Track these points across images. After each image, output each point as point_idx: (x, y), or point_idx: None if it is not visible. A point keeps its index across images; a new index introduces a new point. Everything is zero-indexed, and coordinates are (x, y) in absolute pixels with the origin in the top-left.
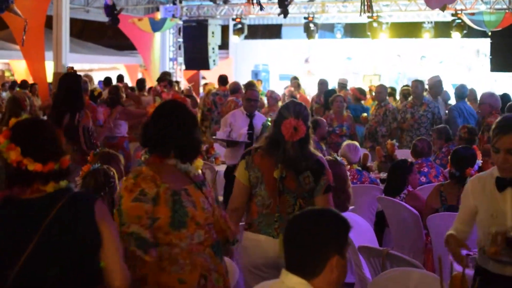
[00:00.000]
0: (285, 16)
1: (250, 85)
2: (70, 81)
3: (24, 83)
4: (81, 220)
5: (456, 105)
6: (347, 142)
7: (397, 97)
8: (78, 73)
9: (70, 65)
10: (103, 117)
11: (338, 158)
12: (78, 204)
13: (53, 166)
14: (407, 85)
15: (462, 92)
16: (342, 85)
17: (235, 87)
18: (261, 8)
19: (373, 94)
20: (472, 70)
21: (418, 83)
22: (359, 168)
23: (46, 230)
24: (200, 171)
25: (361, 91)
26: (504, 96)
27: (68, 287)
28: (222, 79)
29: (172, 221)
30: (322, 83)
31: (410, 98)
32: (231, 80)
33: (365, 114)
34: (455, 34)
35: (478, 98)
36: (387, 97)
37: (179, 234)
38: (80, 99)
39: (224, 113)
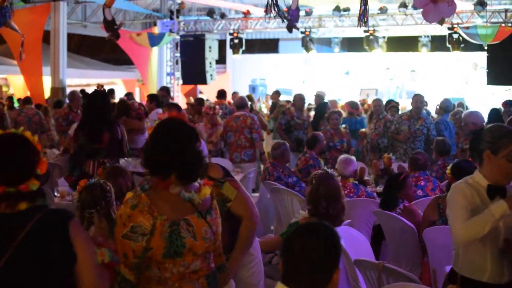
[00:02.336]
0: (290, 31)
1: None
2: (104, 96)
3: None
4: (54, 238)
5: (442, 118)
6: (342, 155)
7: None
8: (74, 88)
9: (68, 79)
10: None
11: (329, 170)
12: (52, 222)
13: (4, 189)
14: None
15: (447, 106)
16: (320, 97)
17: (242, 103)
18: (283, 19)
19: (365, 107)
20: (469, 84)
21: (419, 97)
22: (356, 182)
23: (18, 246)
24: (210, 198)
25: (353, 105)
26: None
27: None
28: (220, 93)
29: (167, 251)
30: (318, 95)
31: (406, 111)
32: (229, 94)
33: (363, 129)
34: (456, 53)
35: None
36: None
37: (173, 261)
38: (111, 114)
39: (234, 128)
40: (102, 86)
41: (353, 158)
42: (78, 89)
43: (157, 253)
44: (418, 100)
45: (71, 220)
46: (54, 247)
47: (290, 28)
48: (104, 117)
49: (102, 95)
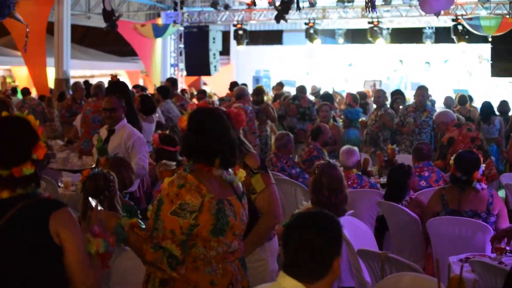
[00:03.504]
0: (278, 21)
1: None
2: (123, 89)
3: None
4: (32, 228)
5: None
6: (345, 146)
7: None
8: (78, 79)
9: (72, 71)
10: None
11: (331, 161)
12: (32, 212)
13: None
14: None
15: (449, 105)
16: (316, 94)
17: (241, 93)
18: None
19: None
20: (473, 76)
21: (423, 90)
22: (359, 173)
23: None
24: (240, 183)
25: (354, 99)
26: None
27: None
28: (232, 85)
29: (214, 228)
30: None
31: (411, 103)
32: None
33: (363, 118)
34: (462, 44)
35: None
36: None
37: (218, 239)
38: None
39: None
40: (116, 76)
41: (356, 148)
42: (82, 80)
43: (204, 229)
44: (421, 94)
45: (55, 211)
46: (32, 237)
47: (278, 18)
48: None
49: (122, 85)
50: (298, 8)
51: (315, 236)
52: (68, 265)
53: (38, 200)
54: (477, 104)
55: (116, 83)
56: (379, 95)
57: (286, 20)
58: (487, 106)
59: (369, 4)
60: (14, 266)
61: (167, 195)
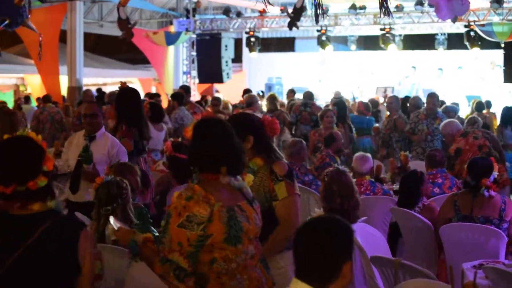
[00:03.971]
0: (290, 28)
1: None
2: (135, 96)
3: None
4: (64, 245)
5: None
6: (359, 153)
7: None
8: (91, 87)
9: (85, 79)
10: None
11: (340, 167)
12: (64, 229)
13: (14, 187)
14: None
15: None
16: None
17: (250, 100)
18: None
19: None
20: (486, 81)
21: (434, 98)
22: (372, 180)
23: (27, 249)
24: (249, 188)
25: (366, 107)
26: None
27: None
28: (245, 92)
29: (228, 236)
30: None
31: (422, 110)
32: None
33: (377, 125)
34: (475, 50)
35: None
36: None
37: (235, 249)
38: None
39: None
40: (125, 83)
41: (369, 155)
42: (94, 88)
43: (218, 239)
44: (431, 102)
45: (82, 231)
46: (62, 255)
47: (290, 25)
48: (138, 115)
49: (133, 92)
50: (317, 20)
51: (325, 239)
52: (80, 284)
53: (66, 217)
54: (492, 109)
55: (126, 90)
56: (392, 101)
57: (298, 27)
58: (508, 111)
59: (384, 8)
60: (37, 281)
61: (175, 208)
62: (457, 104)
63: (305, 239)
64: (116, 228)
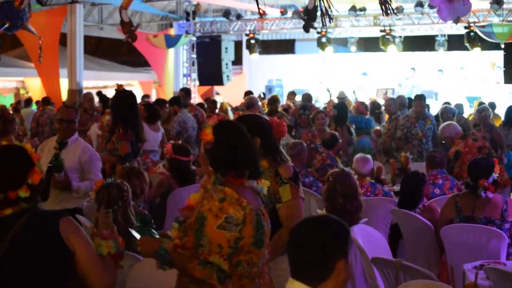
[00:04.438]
0: (307, 31)
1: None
2: (131, 98)
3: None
4: (44, 237)
5: None
6: (359, 154)
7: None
8: (91, 90)
9: (85, 82)
10: None
11: (346, 169)
12: (40, 222)
13: None
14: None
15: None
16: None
17: (251, 102)
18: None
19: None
20: (486, 82)
21: (423, 100)
22: (373, 181)
23: (8, 248)
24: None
25: (365, 107)
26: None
27: None
28: (246, 94)
29: (255, 240)
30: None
31: (410, 113)
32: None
33: (378, 128)
34: (476, 50)
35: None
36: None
37: (259, 252)
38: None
39: None
40: (121, 85)
41: (370, 157)
42: (94, 91)
43: (248, 242)
44: (420, 104)
45: (61, 218)
46: (46, 246)
47: (306, 27)
48: (138, 118)
49: (129, 95)
50: (323, 23)
51: (317, 236)
52: (83, 269)
53: (42, 210)
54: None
55: (122, 93)
56: (390, 103)
57: (315, 28)
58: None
59: (386, 8)
60: (27, 275)
61: (209, 210)
62: (461, 106)
63: (298, 237)
64: (137, 237)
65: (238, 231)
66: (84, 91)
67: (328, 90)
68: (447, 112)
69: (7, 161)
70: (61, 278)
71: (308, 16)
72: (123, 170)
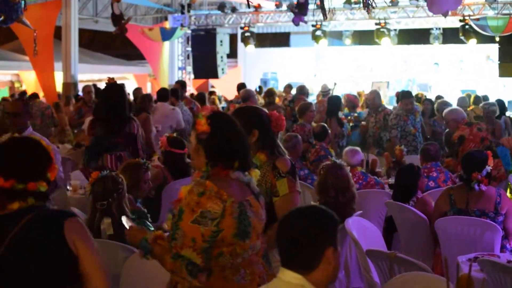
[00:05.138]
0: (297, 24)
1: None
2: (118, 90)
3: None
4: (47, 237)
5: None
6: (349, 147)
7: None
8: (86, 83)
9: (80, 75)
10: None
11: (337, 161)
12: (45, 221)
13: (13, 183)
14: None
15: (463, 106)
16: (325, 93)
17: (247, 95)
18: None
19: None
20: (481, 76)
21: (412, 98)
22: (363, 171)
23: (9, 245)
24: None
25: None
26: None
27: None
28: (239, 87)
29: (238, 232)
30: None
31: (398, 111)
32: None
33: (363, 123)
34: (472, 41)
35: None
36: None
37: (244, 244)
38: (130, 108)
39: None
40: (113, 79)
41: (358, 149)
42: (89, 84)
43: (228, 234)
44: (410, 102)
45: (67, 219)
46: (47, 247)
47: (296, 21)
48: (123, 110)
49: (120, 88)
50: (325, 17)
51: (306, 223)
52: (86, 273)
53: (49, 210)
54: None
55: (113, 86)
56: (373, 97)
57: (305, 22)
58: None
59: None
60: (28, 275)
61: (187, 204)
62: (465, 99)
63: (285, 227)
64: (127, 227)
65: (214, 225)
66: (80, 85)
67: (335, 84)
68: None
69: (32, 151)
70: (62, 281)
71: (299, 10)
72: (125, 164)
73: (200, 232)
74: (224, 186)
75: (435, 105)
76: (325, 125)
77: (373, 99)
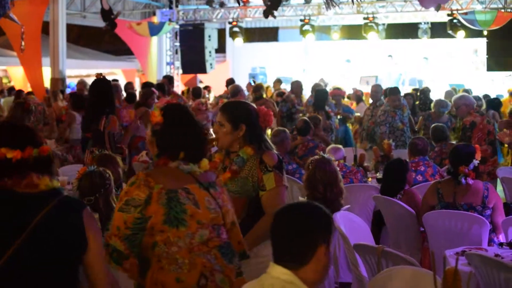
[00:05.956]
0: (266, 17)
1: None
2: (100, 86)
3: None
4: (70, 225)
5: None
6: (332, 145)
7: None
8: (74, 79)
9: (68, 70)
10: (128, 119)
11: (325, 155)
12: (68, 209)
13: (31, 152)
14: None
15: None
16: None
17: (235, 90)
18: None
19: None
20: (469, 70)
21: (399, 94)
22: (346, 164)
23: (34, 229)
24: (213, 173)
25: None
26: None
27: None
28: (227, 82)
29: (167, 218)
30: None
31: (386, 107)
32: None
33: (357, 114)
34: (460, 33)
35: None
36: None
37: (177, 232)
38: (110, 104)
39: None
40: (101, 74)
41: (340, 146)
42: (77, 79)
43: (157, 220)
44: (397, 98)
45: (84, 209)
46: (68, 233)
47: (266, 13)
48: (97, 107)
49: (99, 83)
50: (329, 8)
51: (299, 220)
52: (91, 263)
53: (69, 197)
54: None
55: (101, 81)
56: (376, 89)
57: (274, 16)
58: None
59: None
60: (46, 260)
61: (120, 195)
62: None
63: (280, 222)
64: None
65: (138, 211)
66: (68, 80)
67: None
68: (440, 106)
69: (25, 127)
70: (75, 270)
71: (271, 3)
72: (97, 157)
73: (123, 219)
74: (154, 174)
75: (433, 103)
76: (307, 119)
77: (375, 92)
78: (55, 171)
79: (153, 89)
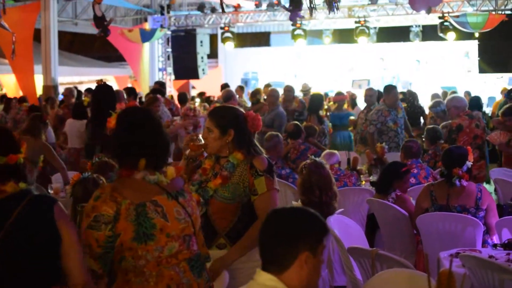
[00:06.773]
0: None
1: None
2: (102, 92)
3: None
4: (42, 220)
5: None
6: (326, 151)
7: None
8: (66, 86)
9: (61, 77)
10: None
11: (317, 159)
12: (38, 206)
13: None
14: None
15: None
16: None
17: (228, 95)
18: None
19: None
20: (461, 72)
21: (396, 90)
22: (340, 167)
23: (7, 231)
24: (180, 179)
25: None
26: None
27: (25, 284)
28: (222, 87)
29: (136, 235)
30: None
31: (380, 106)
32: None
33: (352, 117)
34: (450, 35)
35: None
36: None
37: (146, 246)
38: (114, 110)
39: None
40: (101, 80)
41: (335, 152)
42: (70, 87)
43: (126, 238)
44: (394, 95)
45: (55, 204)
46: (42, 230)
47: (293, 17)
48: (101, 113)
49: (102, 90)
50: (332, 11)
51: (281, 223)
52: (66, 254)
53: (38, 195)
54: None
55: (103, 87)
56: (370, 93)
57: (303, 17)
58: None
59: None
60: (24, 259)
61: (86, 210)
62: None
63: (265, 225)
64: None
65: (109, 229)
66: (60, 87)
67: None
68: (437, 112)
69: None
70: (53, 263)
71: (293, 6)
72: (96, 164)
73: (94, 237)
74: (120, 188)
75: (429, 106)
76: (298, 123)
77: (370, 96)
78: (30, 176)
79: (158, 95)
